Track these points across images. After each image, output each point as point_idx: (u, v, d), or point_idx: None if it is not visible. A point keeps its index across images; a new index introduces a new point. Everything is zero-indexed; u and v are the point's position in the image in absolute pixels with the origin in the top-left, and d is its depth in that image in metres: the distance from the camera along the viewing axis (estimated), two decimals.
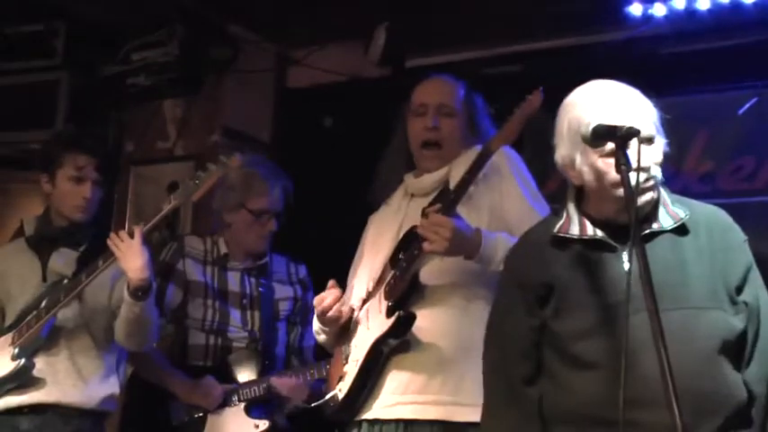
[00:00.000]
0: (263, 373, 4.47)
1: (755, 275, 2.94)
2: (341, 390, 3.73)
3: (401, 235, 3.75)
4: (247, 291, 4.63)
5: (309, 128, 6.08)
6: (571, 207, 2.99)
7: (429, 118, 3.81)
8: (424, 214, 3.50)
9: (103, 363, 4.32)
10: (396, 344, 3.61)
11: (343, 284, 4.00)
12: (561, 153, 2.94)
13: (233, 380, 4.47)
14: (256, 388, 4.43)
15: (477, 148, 3.73)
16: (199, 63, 6.07)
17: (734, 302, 2.85)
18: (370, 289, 3.78)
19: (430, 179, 3.84)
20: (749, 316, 2.85)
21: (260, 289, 4.63)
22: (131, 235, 4.05)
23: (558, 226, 2.97)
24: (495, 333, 3.10)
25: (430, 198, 3.78)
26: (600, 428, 2.74)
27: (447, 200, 3.53)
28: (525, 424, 2.91)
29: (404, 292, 3.61)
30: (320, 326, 3.88)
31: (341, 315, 3.79)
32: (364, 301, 3.80)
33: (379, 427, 3.65)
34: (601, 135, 2.74)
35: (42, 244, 4.40)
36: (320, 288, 4.48)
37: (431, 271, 3.62)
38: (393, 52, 5.68)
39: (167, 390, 4.47)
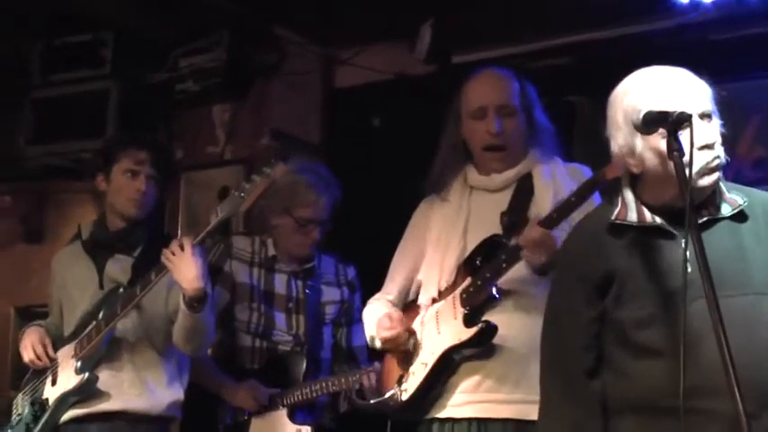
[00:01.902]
0: (308, 377, 4.46)
1: None
2: (406, 390, 3.72)
3: (469, 234, 3.74)
4: (293, 294, 4.62)
5: (358, 128, 6.08)
6: (628, 194, 2.93)
7: (491, 122, 3.74)
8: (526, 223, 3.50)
9: (166, 370, 4.36)
10: (472, 353, 3.61)
11: (384, 271, 4.04)
12: (619, 143, 2.89)
13: (279, 383, 4.47)
14: (300, 393, 4.41)
15: (556, 159, 3.78)
16: (246, 67, 6.10)
17: None
18: (442, 290, 3.76)
19: (501, 178, 3.80)
20: None
21: (306, 291, 4.62)
22: (182, 247, 4.05)
23: (615, 213, 2.92)
24: (552, 328, 3.05)
25: (500, 195, 3.78)
26: (663, 417, 2.71)
27: (551, 217, 3.45)
28: (587, 419, 2.87)
29: (483, 302, 3.62)
30: (380, 341, 3.88)
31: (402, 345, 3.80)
32: (433, 301, 3.79)
33: (450, 425, 3.65)
34: (652, 121, 2.72)
35: (98, 250, 4.44)
36: (369, 288, 4.48)
37: (505, 277, 3.61)
38: (439, 49, 5.66)
39: (216, 393, 4.50)
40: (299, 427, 4.40)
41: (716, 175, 2.83)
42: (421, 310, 3.83)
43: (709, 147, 2.79)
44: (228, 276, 4.59)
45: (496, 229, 3.69)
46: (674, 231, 2.82)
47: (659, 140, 2.77)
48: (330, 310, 4.68)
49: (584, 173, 3.75)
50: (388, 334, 3.77)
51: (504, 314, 3.59)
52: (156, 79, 6.19)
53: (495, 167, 3.80)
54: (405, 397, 3.73)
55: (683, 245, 2.76)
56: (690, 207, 2.58)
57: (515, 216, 3.67)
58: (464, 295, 3.65)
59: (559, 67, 5.44)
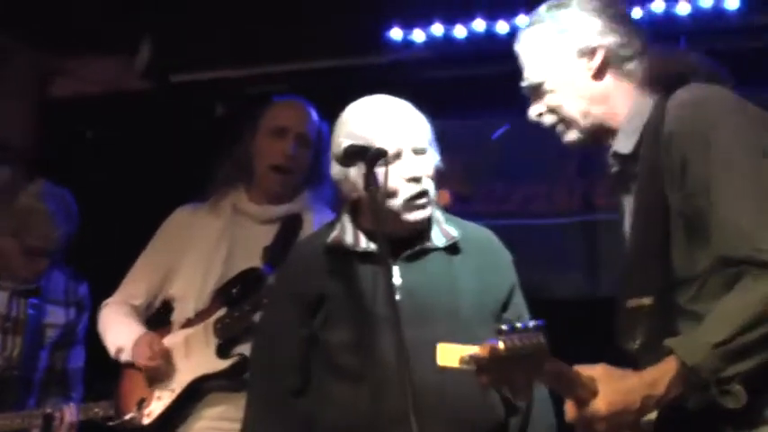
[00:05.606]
0: (19, 403, 4.30)
1: (519, 293, 3.07)
2: (149, 414, 3.68)
3: (231, 262, 3.74)
4: (13, 313, 4.38)
5: (70, 138, 5.98)
6: (346, 218, 3.03)
7: (288, 144, 3.80)
8: None
9: None
10: (223, 384, 3.61)
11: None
12: (335, 169, 2.98)
13: None
14: (9, 421, 4.22)
15: (327, 210, 3.74)
16: None
17: (498, 319, 2.94)
18: (199, 312, 3.74)
19: (274, 211, 3.83)
20: None
21: (28, 311, 4.43)
22: None
23: (331, 236, 3.00)
24: (263, 345, 3.11)
25: (266, 227, 3.79)
26: None
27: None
28: None
29: (239, 335, 3.62)
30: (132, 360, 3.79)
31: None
32: (187, 322, 3.76)
33: None
34: (351, 155, 2.79)
35: None
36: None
37: None
38: (157, 66, 5.65)
39: None
40: None
41: (424, 212, 2.93)
42: (173, 329, 3.80)
43: (417, 180, 2.89)
44: None
45: (258, 261, 3.72)
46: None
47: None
48: (51, 333, 4.44)
49: None
50: (150, 364, 3.70)
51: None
52: None
53: (273, 189, 3.83)
54: (147, 422, 3.69)
55: (397, 272, 2.90)
56: (382, 242, 2.64)
57: (278, 253, 3.67)
58: (218, 325, 3.66)
59: (277, 93, 5.51)
